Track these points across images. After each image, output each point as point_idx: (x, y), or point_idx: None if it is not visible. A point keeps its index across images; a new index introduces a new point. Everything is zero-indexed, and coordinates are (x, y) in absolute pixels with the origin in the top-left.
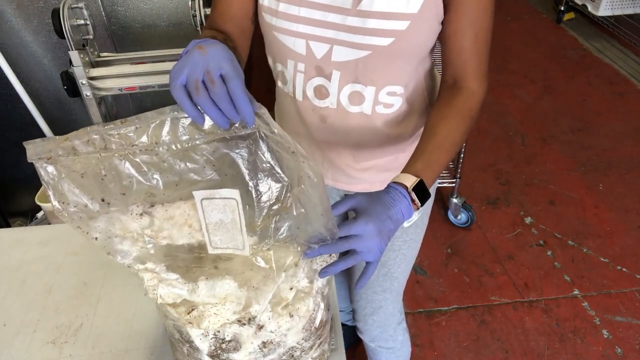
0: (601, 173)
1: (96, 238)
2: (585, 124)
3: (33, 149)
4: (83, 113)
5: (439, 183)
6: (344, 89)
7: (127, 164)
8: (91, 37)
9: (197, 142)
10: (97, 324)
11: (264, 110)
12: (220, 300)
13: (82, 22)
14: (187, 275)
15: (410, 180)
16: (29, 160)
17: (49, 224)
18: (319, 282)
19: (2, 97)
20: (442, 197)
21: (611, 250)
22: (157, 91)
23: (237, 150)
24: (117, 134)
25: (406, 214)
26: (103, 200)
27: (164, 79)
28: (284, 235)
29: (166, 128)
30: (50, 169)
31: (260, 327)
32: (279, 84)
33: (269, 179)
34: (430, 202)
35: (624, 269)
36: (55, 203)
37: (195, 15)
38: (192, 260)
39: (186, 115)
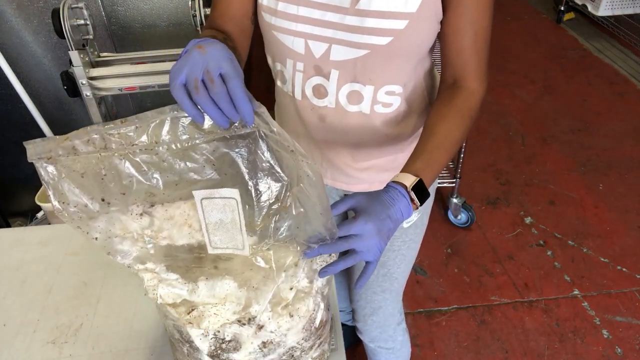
0: (601, 173)
1: (96, 238)
2: (585, 124)
3: (33, 149)
4: (83, 113)
5: (439, 183)
6: (342, 88)
7: (127, 164)
8: (91, 37)
9: (197, 141)
10: (97, 324)
11: (263, 109)
12: (220, 301)
13: (82, 22)
14: (187, 275)
15: (409, 180)
16: (29, 160)
17: (49, 224)
18: (319, 282)
19: (2, 97)
20: (442, 197)
21: (611, 250)
22: (157, 91)
23: (236, 150)
24: (117, 134)
25: (405, 213)
26: (103, 200)
27: (164, 79)
28: (284, 234)
29: (166, 127)
30: (51, 168)
31: (260, 327)
32: (278, 83)
33: (269, 178)
34: (430, 203)
35: (624, 269)
36: (56, 203)
37: (195, 15)
38: (192, 260)
39: (186, 115)
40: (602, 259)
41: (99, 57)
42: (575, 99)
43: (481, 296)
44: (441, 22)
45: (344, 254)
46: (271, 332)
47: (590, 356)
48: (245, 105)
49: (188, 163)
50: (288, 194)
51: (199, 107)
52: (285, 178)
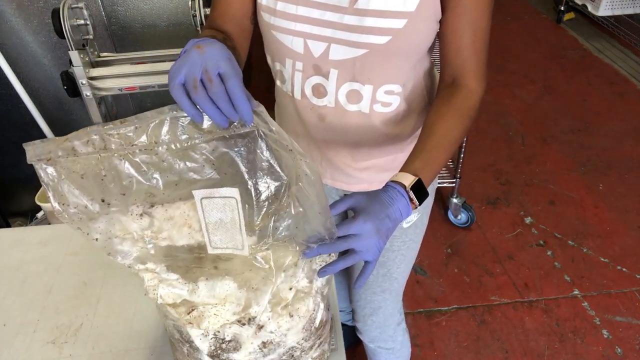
0: (601, 173)
1: (96, 239)
2: (585, 124)
3: (33, 151)
4: (83, 113)
5: (439, 183)
6: (341, 88)
7: (127, 164)
8: (91, 37)
9: (196, 141)
10: (97, 324)
11: (262, 109)
12: (220, 301)
13: (82, 22)
14: (187, 275)
15: (408, 179)
16: (29, 162)
17: (49, 224)
18: (319, 282)
19: (2, 97)
20: (442, 197)
21: (611, 250)
22: (157, 91)
23: (236, 149)
24: (116, 134)
25: (404, 212)
26: (103, 200)
27: (164, 79)
28: (283, 234)
29: (165, 127)
30: (50, 170)
31: (260, 327)
32: (278, 83)
33: (268, 177)
34: (430, 203)
35: (624, 269)
36: (56, 204)
37: (195, 15)
38: (192, 261)
39: (185, 115)
40: (602, 259)
41: (99, 57)
42: (575, 99)
43: (481, 296)
44: (440, 22)
45: (344, 253)
46: (271, 332)
47: (590, 356)
48: (244, 105)
49: (188, 163)
50: (287, 193)
51: (198, 106)
52: (285, 177)
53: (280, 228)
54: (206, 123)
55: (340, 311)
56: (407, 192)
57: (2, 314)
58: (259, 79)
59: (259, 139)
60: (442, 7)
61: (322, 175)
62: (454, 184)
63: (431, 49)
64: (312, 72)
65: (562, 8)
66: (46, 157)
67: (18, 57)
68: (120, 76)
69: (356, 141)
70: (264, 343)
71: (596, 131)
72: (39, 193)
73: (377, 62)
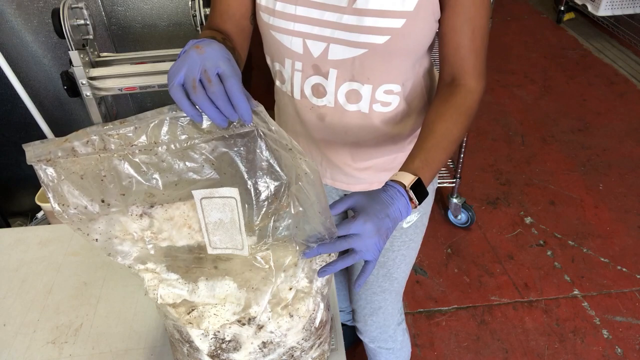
0: (601, 173)
1: (96, 240)
2: (585, 124)
3: (32, 151)
4: (83, 113)
5: (439, 183)
6: (341, 87)
7: (127, 164)
8: (91, 37)
9: (196, 141)
10: (97, 324)
11: (261, 108)
12: (220, 301)
13: (82, 22)
14: (187, 275)
15: (408, 179)
16: (28, 163)
17: (49, 224)
18: (319, 282)
19: (2, 97)
20: (442, 197)
21: (611, 250)
22: (157, 91)
23: (235, 149)
24: (116, 134)
25: (404, 212)
26: (103, 201)
27: (164, 79)
28: (283, 234)
29: (165, 128)
30: (50, 171)
31: (260, 327)
32: (277, 83)
33: (268, 177)
34: (430, 203)
35: (624, 269)
36: (55, 205)
37: (195, 15)
38: (192, 261)
39: (185, 115)
40: (602, 259)
41: (99, 57)
42: (575, 99)
43: (481, 296)
44: (439, 21)
45: (343, 253)
46: (271, 332)
47: (590, 356)
48: (243, 104)
49: (187, 163)
50: (287, 192)
51: (197, 107)
52: (284, 177)
53: (280, 228)
54: (205, 123)
55: (340, 311)
56: (406, 191)
57: (2, 314)
58: (259, 79)
59: (259, 139)
60: (441, 6)
61: (322, 175)
62: (454, 184)
63: (430, 49)
64: (311, 72)
65: (562, 8)
66: (46, 158)
67: (18, 57)
68: (120, 76)
69: (356, 141)
70: (264, 343)
71: (596, 131)
72: (39, 193)
73: (377, 62)
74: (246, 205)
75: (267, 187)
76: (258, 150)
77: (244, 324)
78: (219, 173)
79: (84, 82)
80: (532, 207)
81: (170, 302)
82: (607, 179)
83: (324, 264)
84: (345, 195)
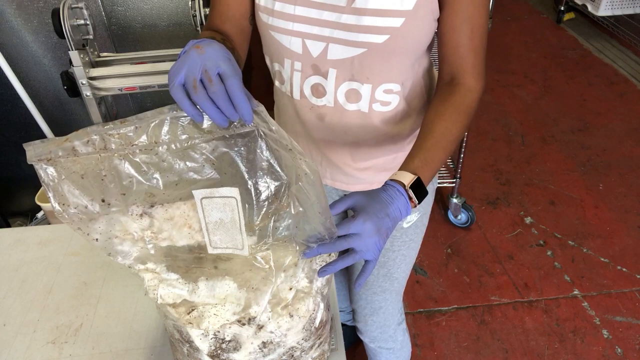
0: (601, 173)
1: (96, 239)
2: (585, 124)
3: (33, 151)
4: (83, 113)
5: (439, 183)
6: (340, 87)
7: (127, 164)
8: (91, 37)
9: (196, 141)
10: (97, 324)
11: (262, 108)
12: (220, 301)
13: (82, 22)
14: (187, 275)
15: (407, 178)
16: (29, 162)
17: (49, 224)
18: (319, 282)
19: (2, 97)
20: (442, 197)
21: (611, 250)
22: (157, 91)
23: (236, 149)
24: (116, 134)
25: (404, 211)
26: (103, 201)
27: (164, 79)
28: (283, 234)
29: (165, 127)
30: (50, 170)
31: (260, 327)
32: (277, 83)
33: (268, 177)
34: (430, 203)
35: (624, 269)
36: (56, 205)
37: (195, 15)
38: (192, 261)
39: (185, 115)
40: (602, 259)
41: (99, 57)
42: (575, 99)
43: (481, 296)
44: (438, 20)
45: (343, 253)
46: (271, 332)
47: (590, 356)
48: (244, 104)
49: (188, 163)
50: (287, 193)
51: (198, 106)
52: (285, 177)
53: (280, 228)
54: (206, 123)
55: (340, 311)
56: (406, 190)
57: (2, 314)
58: (259, 79)
59: (259, 139)
60: (440, 5)
61: (322, 176)
62: (454, 184)
63: (430, 48)
64: (310, 72)
65: (562, 8)
66: (46, 157)
67: (18, 57)
68: (120, 76)
69: (356, 141)
70: (264, 343)
71: (596, 131)
72: (39, 193)
73: (376, 61)
74: (246, 205)
75: (268, 187)
76: (258, 150)
77: (244, 324)
78: (219, 173)
79: (84, 82)
80: (532, 207)
81: (170, 302)
82: (607, 179)
83: (324, 264)
84: (345, 195)
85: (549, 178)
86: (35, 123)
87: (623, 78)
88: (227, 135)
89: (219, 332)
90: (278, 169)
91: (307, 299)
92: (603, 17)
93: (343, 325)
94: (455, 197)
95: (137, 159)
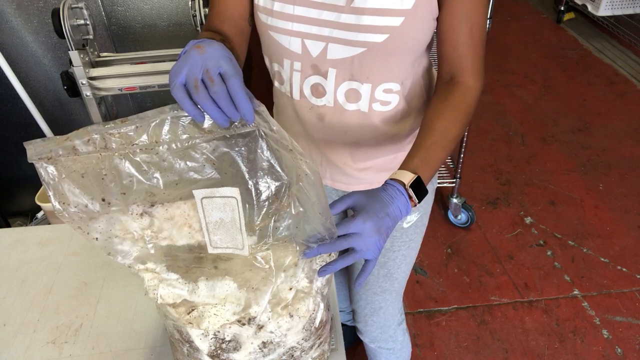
0: (601, 173)
1: (96, 238)
2: (585, 124)
3: (33, 149)
4: (83, 113)
5: (439, 183)
6: (340, 87)
7: (127, 163)
8: (91, 37)
9: (197, 140)
10: (97, 324)
11: (263, 108)
12: (220, 301)
13: (82, 22)
14: (187, 275)
15: (407, 177)
16: (29, 161)
17: (49, 224)
18: (319, 282)
19: (2, 97)
20: (442, 197)
21: (611, 250)
22: (157, 91)
23: (236, 149)
24: (117, 133)
25: (404, 210)
26: (103, 200)
27: (164, 79)
28: (283, 234)
29: (166, 127)
30: (51, 169)
31: (260, 328)
32: (276, 84)
33: (268, 177)
34: (430, 203)
35: (624, 269)
36: (56, 204)
37: (195, 15)
38: (192, 260)
39: (186, 114)
40: (602, 259)
41: (99, 57)
42: (575, 99)
43: (481, 296)
44: (437, 19)
45: (343, 252)
46: (271, 332)
47: (590, 356)
48: (245, 104)
49: (188, 162)
50: (287, 193)
51: (199, 106)
52: (285, 177)
53: (281, 228)
54: (207, 123)
55: (340, 311)
56: (406, 190)
57: (2, 314)
58: (259, 79)
59: (260, 139)
60: (439, 4)
61: (322, 176)
62: (454, 184)
63: (429, 48)
64: (310, 72)
65: (562, 8)
66: (47, 156)
67: (18, 57)
68: (120, 76)
69: (356, 141)
70: (264, 343)
71: (596, 131)
72: (39, 193)
73: (375, 61)
74: (247, 205)
75: (268, 187)
76: (259, 151)
77: (244, 324)
78: (219, 173)
79: (84, 82)
80: (532, 207)
81: (170, 302)
82: (607, 179)
83: (324, 263)
84: (344, 194)
85: (549, 178)
86: (35, 123)
87: (623, 78)
88: (228, 135)
89: (219, 332)
90: (279, 169)
91: (307, 299)
92: (603, 17)
93: (343, 325)
94: (455, 197)
95: (138, 158)
